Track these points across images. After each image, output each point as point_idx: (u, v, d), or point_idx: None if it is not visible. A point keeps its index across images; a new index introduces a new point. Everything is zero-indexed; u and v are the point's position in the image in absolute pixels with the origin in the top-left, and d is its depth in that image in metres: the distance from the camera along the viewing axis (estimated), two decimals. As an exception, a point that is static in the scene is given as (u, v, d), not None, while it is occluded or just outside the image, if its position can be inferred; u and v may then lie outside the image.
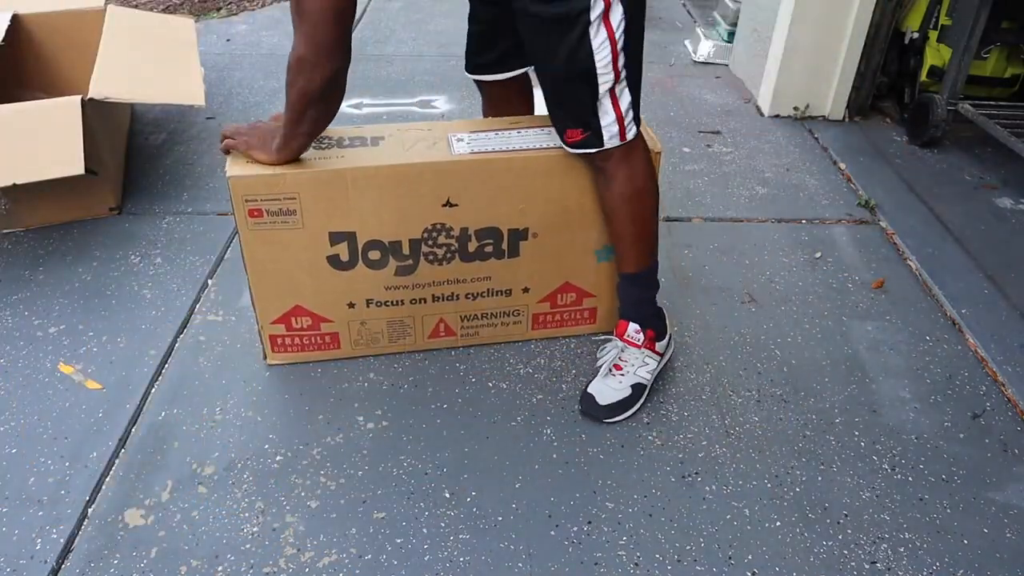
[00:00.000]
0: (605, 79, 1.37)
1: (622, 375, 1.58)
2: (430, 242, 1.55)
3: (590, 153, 1.46)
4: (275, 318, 1.60)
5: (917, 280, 2.02)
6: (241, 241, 1.49)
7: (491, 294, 1.65)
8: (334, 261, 1.54)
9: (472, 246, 1.57)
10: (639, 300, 1.61)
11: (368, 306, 1.60)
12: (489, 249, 1.59)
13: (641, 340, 1.59)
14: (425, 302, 1.63)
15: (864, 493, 1.44)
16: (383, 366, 1.68)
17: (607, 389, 1.57)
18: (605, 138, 1.42)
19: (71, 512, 1.36)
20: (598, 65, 1.35)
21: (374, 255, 1.54)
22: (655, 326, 1.62)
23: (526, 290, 1.66)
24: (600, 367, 1.61)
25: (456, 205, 1.51)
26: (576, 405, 1.59)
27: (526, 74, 1.67)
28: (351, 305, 1.60)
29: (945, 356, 1.77)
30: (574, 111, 1.42)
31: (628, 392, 1.57)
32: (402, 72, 3.19)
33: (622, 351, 1.60)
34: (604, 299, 1.72)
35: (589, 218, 1.59)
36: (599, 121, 1.41)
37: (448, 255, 1.57)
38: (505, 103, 1.72)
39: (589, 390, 1.58)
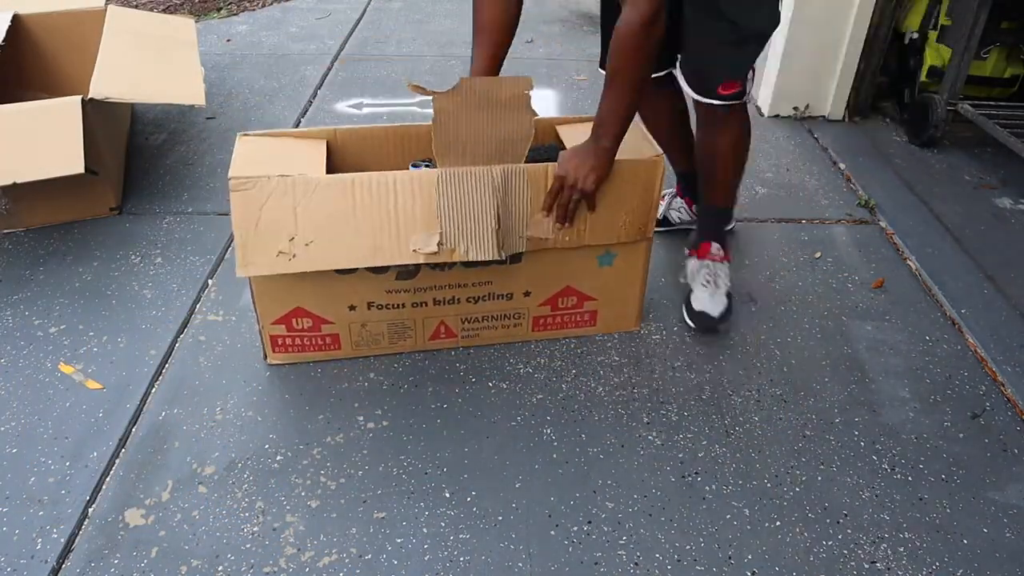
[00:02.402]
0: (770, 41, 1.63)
1: (717, 287, 1.80)
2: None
3: (731, 104, 1.66)
4: (276, 318, 1.60)
5: (917, 280, 2.02)
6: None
7: (492, 298, 1.65)
8: None
9: None
10: (719, 227, 1.87)
11: (369, 308, 1.60)
12: None
13: (722, 255, 1.84)
14: (426, 305, 1.63)
15: (864, 493, 1.44)
16: (383, 366, 1.68)
17: (713, 302, 1.78)
18: (748, 89, 1.67)
19: (71, 512, 1.36)
20: (779, 29, 1.59)
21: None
22: (728, 244, 1.88)
23: (527, 294, 1.66)
24: (693, 284, 1.83)
25: None
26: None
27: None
28: (352, 308, 1.60)
29: (945, 356, 1.77)
30: (742, 66, 1.63)
31: (727, 300, 1.80)
32: (402, 72, 3.19)
33: (710, 267, 1.82)
34: (604, 302, 1.72)
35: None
36: (748, 75, 1.65)
37: (449, 262, 1.57)
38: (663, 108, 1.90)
39: (699, 308, 1.78)
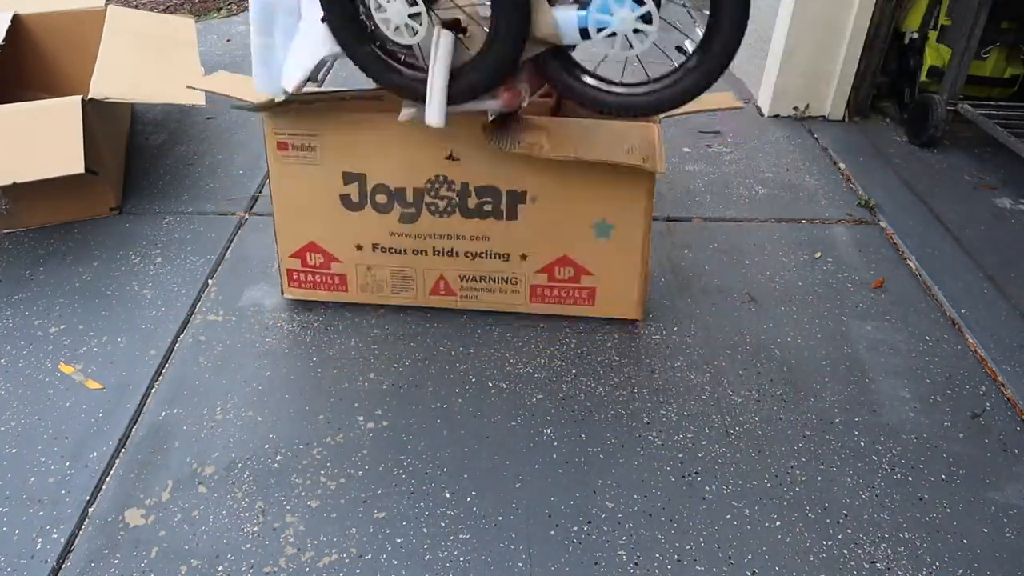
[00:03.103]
0: None
1: None
2: (432, 192, 1.64)
3: None
4: (293, 251, 1.74)
5: (917, 280, 2.02)
6: (270, 174, 1.68)
7: (489, 256, 1.71)
8: (346, 201, 1.66)
9: (472, 202, 1.64)
10: None
11: (374, 251, 1.71)
12: (488, 208, 1.65)
13: None
14: (426, 254, 1.71)
15: (864, 493, 1.44)
16: (383, 366, 1.68)
17: None
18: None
19: (71, 512, 1.36)
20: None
21: (381, 199, 1.66)
22: None
23: (524, 257, 1.71)
24: None
25: (458, 160, 1.59)
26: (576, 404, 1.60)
27: None
28: (359, 247, 1.71)
29: (945, 356, 1.77)
30: None
31: None
32: (402, 72, 3.19)
33: None
34: (603, 280, 1.73)
35: (588, 189, 1.61)
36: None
37: (449, 208, 1.66)
38: None
39: None
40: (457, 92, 1.31)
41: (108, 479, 1.42)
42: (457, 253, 1.71)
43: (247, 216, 2.20)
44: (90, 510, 1.37)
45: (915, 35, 2.75)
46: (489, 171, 1.61)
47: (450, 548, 1.32)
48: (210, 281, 1.94)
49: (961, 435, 1.57)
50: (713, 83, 1.31)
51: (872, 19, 2.70)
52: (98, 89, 2.01)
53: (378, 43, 1.33)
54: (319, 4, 1.28)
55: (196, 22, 3.08)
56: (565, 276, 1.73)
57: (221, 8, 3.98)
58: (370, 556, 1.30)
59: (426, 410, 1.58)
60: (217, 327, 1.79)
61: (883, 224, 2.26)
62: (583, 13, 1.23)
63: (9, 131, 1.94)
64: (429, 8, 1.21)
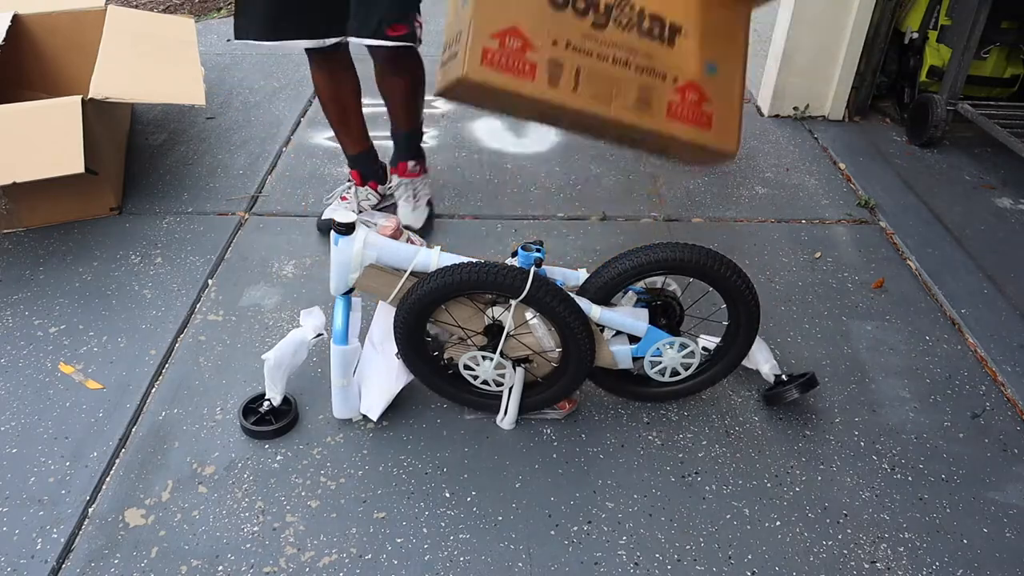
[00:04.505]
0: None
1: (417, 201, 2.15)
2: (619, 7, 1.73)
3: (404, 47, 1.82)
4: (494, 32, 1.75)
5: (917, 280, 2.02)
6: None
7: (649, 72, 1.81)
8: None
9: (645, 24, 1.75)
10: (410, 146, 2.12)
11: (566, 48, 1.77)
12: (656, 32, 1.76)
13: (419, 170, 2.14)
14: (607, 61, 1.78)
15: (864, 493, 1.44)
16: (383, 366, 1.68)
17: (415, 216, 2.14)
18: (418, 35, 1.85)
19: (71, 512, 1.36)
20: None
21: (580, 4, 1.72)
22: (423, 159, 2.17)
23: (671, 79, 1.82)
24: (399, 200, 2.15)
25: None
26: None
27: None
28: (555, 43, 1.76)
29: (945, 356, 1.77)
30: (404, 5, 1.79)
31: (428, 209, 2.18)
32: (402, 72, 3.18)
33: (411, 184, 2.14)
34: (716, 109, 1.84)
35: (706, 35, 1.76)
36: (415, 20, 1.83)
37: (630, 24, 1.75)
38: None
39: (405, 223, 2.02)
40: (528, 406, 1.54)
41: (108, 479, 1.42)
42: (629, 64, 1.80)
43: (247, 216, 2.20)
44: (90, 510, 1.37)
45: (915, 35, 2.75)
46: (660, 3, 1.74)
47: (450, 548, 1.32)
48: (210, 281, 1.94)
49: (961, 435, 1.57)
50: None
51: (872, 19, 2.70)
52: (98, 89, 2.01)
53: (450, 371, 1.52)
54: (394, 343, 1.48)
55: (196, 22, 3.09)
56: (692, 99, 1.83)
57: (221, 8, 3.98)
58: (370, 556, 1.30)
59: (426, 410, 1.58)
60: (217, 327, 1.79)
61: (883, 224, 2.26)
62: (635, 347, 1.48)
63: (9, 131, 1.94)
64: (503, 355, 1.45)
